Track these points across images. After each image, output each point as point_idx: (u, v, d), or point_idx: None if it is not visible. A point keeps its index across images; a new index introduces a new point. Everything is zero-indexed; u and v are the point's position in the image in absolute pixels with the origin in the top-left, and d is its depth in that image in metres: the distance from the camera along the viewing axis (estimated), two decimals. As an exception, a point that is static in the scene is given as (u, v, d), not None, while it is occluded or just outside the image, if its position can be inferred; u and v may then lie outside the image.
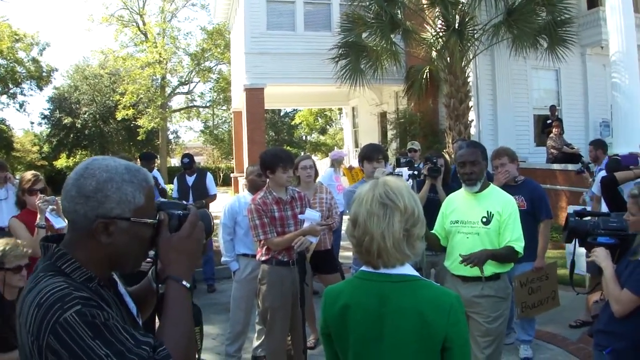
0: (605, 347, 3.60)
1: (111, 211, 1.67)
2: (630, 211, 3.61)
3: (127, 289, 1.96)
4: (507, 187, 5.88)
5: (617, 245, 3.84)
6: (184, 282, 1.76)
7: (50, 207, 5.22)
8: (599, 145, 8.41)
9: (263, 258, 5.17)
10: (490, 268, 4.23)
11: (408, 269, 2.17)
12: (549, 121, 15.34)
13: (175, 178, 9.86)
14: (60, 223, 5.14)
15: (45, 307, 1.52)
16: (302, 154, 35.94)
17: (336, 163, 10.56)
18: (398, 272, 2.15)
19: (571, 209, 6.89)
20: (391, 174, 5.01)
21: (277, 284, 5.06)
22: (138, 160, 6.04)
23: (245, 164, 18.46)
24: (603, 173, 7.84)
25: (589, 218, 4.08)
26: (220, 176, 37.88)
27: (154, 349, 1.57)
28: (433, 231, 4.58)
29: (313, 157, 7.74)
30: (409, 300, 2.11)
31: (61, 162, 38.56)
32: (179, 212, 1.84)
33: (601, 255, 3.71)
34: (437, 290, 2.16)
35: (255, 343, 6.25)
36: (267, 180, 5.24)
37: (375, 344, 2.16)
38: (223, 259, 6.28)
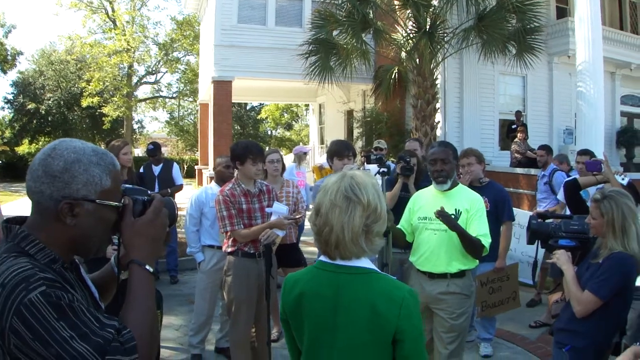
0: (565, 345, 3.71)
1: (77, 192, 1.67)
2: (592, 215, 3.71)
3: (88, 275, 1.94)
4: (472, 187, 5.99)
5: (578, 247, 3.94)
6: (147, 267, 1.76)
7: None
8: (549, 151, 8.98)
9: (229, 249, 5.16)
10: (456, 265, 4.31)
11: (364, 262, 2.20)
12: (514, 126, 15.56)
13: (142, 167, 9.77)
14: None
15: (9, 288, 1.51)
16: (268, 148, 35.92)
17: (298, 158, 10.62)
18: (354, 264, 2.18)
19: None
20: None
21: (242, 276, 5.06)
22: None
23: (211, 157, 18.41)
24: (545, 179, 8.14)
25: (551, 220, 4.18)
26: (184, 168, 37.56)
27: (118, 332, 1.58)
28: (399, 226, 4.63)
29: (306, 148, 7.76)
30: (362, 291, 2.15)
31: (23, 149, 37.82)
32: (143, 197, 1.86)
33: (562, 258, 3.81)
34: (391, 283, 2.20)
35: (219, 335, 6.27)
36: (236, 172, 5.25)
37: (329, 332, 2.20)
38: (188, 249, 6.25)
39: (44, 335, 1.47)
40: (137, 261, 1.76)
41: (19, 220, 1.75)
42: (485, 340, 6.24)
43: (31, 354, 1.49)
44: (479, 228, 4.26)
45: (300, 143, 35.45)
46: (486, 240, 4.25)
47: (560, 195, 7.90)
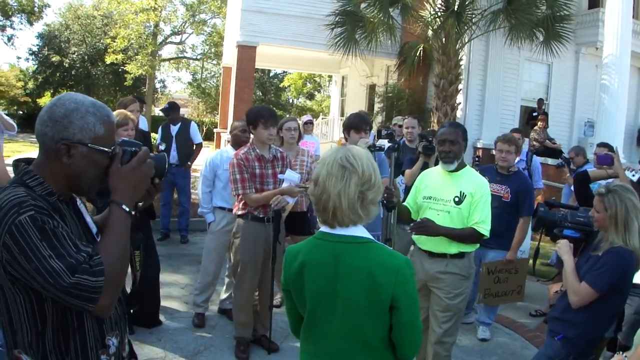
0: (558, 334, 3.76)
1: (74, 136, 1.95)
2: (595, 208, 3.73)
3: (92, 217, 2.25)
4: (499, 175, 6.02)
5: (581, 239, 3.97)
6: (124, 206, 2.01)
7: None
8: (579, 152, 8.87)
9: (239, 212, 5.24)
10: (456, 246, 4.32)
11: (361, 231, 2.33)
12: (534, 114, 15.46)
13: (160, 127, 9.84)
14: None
15: (4, 211, 1.82)
16: (287, 116, 35.79)
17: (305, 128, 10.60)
18: (351, 234, 2.31)
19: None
20: (373, 145, 5.08)
21: (250, 239, 5.15)
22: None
23: (230, 120, 18.40)
24: (523, 164, 8.10)
25: (558, 210, 4.20)
26: (203, 130, 37.65)
27: (90, 257, 1.86)
28: (405, 203, 4.66)
29: (298, 120, 7.74)
30: (360, 260, 2.28)
31: (45, 100, 37.91)
32: (132, 148, 2.10)
33: (564, 248, 3.85)
34: (387, 252, 2.33)
35: (223, 296, 6.39)
36: (252, 136, 5.30)
37: (329, 299, 2.34)
38: (200, 210, 6.33)
39: (28, 252, 1.78)
40: (117, 201, 2.01)
41: (28, 161, 2.04)
42: (485, 325, 6.30)
43: (17, 268, 1.81)
44: (480, 215, 4.23)
45: (321, 114, 35.36)
46: (485, 228, 4.23)
47: (539, 182, 7.95)
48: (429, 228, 4.20)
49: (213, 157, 6.26)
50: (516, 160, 7.93)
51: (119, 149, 2.07)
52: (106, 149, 2.02)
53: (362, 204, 2.28)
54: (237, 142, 6.16)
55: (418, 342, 2.40)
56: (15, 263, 1.80)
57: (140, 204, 2.25)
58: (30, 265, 1.78)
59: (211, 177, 6.16)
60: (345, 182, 2.24)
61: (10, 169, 2.91)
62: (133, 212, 2.07)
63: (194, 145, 9.74)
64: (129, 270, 5.10)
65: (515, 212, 6.07)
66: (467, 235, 4.25)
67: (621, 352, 2.99)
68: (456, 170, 4.40)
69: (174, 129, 9.57)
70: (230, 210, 5.93)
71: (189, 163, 9.55)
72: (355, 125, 5.43)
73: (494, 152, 6.75)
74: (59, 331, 1.97)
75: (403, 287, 2.25)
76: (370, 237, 2.35)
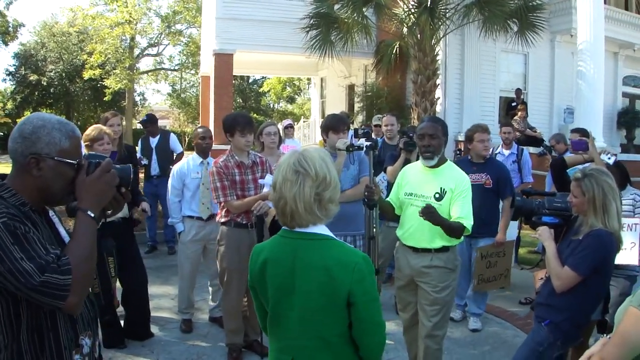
0: (544, 319, 3.79)
1: (41, 150, 2.14)
2: (573, 193, 3.75)
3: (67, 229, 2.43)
4: (476, 163, 6.09)
5: (561, 224, 4.01)
6: (89, 212, 2.18)
7: None
8: (560, 140, 8.92)
9: (222, 220, 5.26)
10: (439, 241, 4.33)
11: (321, 229, 2.39)
12: (513, 104, 15.54)
13: (140, 140, 9.83)
14: None
15: None
16: (268, 121, 35.76)
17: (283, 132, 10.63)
18: (310, 231, 2.37)
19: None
20: (352, 144, 5.10)
21: (234, 246, 5.17)
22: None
23: (212, 129, 18.37)
24: (514, 157, 8.15)
25: (535, 198, 4.24)
26: (185, 140, 37.53)
27: (58, 258, 2.03)
28: (387, 199, 4.68)
29: (279, 125, 7.77)
30: (317, 256, 2.34)
31: (25, 120, 37.76)
32: (96, 160, 2.27)
33: (544, 234, 3.89)
34: (345, 249, 2.38)
35: (212, 304, 6.40)
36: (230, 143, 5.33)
37: (288, 295, 2.40)
38: (170, 220, 6.41)
39: (1, 254, 1.94)
40: (82, 208, 2.18)
41: (2, 176, 2.24)
42: (475, 315, 6.34)
43: None
44: (462, 210, 4.24)
45: (302, 117, 35.37)
46: (468, 222, 4.24)
47: (528, 176, 8.02)
48: (434, 215, 4.12)
49: (180, 166, 6.31)
50: (506, 154, 8.03)
51: (85, 161, 2.25)
52: (72, 161, 2.21)
53: (319, 205, 2.34)
54: (200, 150, 6.30)
55: (380, 340, 2.45)
56: None
57: (109, 212, 2.39)
58: (4, 266, 1.95)
59: (179, 186, 6.19)
60: (299, 186, 2.31)
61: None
62: (100, 219, 2.27)
63: (175, 155, 9.71)
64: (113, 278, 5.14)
65: (496, 197, 6.24)
66: (457, 228, 4.23)
67: (605, 335, 3.02)
68: (437, 165, 4.40)
69: (154, 141, 9.58)
70: (199, 218, 6.09)
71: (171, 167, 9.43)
72: (332, 126, 5.44)
73: (464, 144, 6.81)
74: (33, 332, 2.12)
75: (359, 283, 2.30)
76: (330, 234, 2.41)
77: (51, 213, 2.39)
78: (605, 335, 3.02)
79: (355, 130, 5.42)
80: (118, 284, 5.67)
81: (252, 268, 2.53)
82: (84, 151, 4.89)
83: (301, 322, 2.40)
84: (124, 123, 7.17)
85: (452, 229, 4.23)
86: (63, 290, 2.00)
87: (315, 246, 2.37)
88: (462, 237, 4.45)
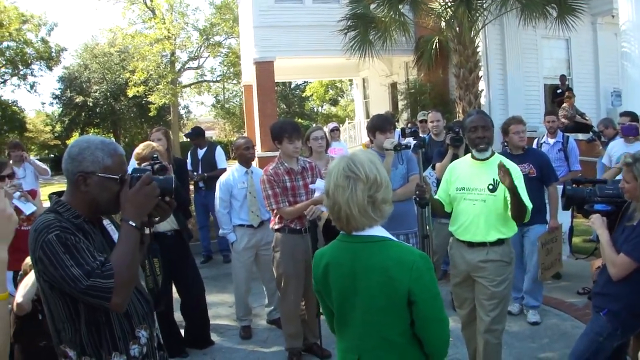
0: (602, 309, 3.75)
1: (87, 168, 2.43)
2: (625, 179, 3.69)
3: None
4: (515, 155, 6.06)
5: (613, 212, 3.95)
6: (131, 222, 2.41)
7: (18, 193, 5.42)
8: (608, 124, 8.87)
9: (276, 227, 5.34)
10: (494, 234, 4.33)
11: (378, 231, 2.44)
12: (559, 91, 15.32)
13: (189, 152, 10.00)
14: (30, 208, 5.37)
15: (37, 231, 2.32)
16: (314, 125, 35.88)
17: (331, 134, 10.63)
18: (368, 234, 2.42)
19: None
20: (399, 144, 5.12)
21: (289, 252, 5.24)
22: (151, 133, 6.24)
23: (258, 137, 18.55)
24: (614, 143, 7.96)
25: (586, 186, 4.19)
26: (232, 150, 37.79)
27: (102, 264, 2.29)
28: (436, 197, 4.69)
29: (324, 128, 7.80)
30: (376, 258, 2.39)
31: (74, 141, 38.60)
32: (137, 174, 2.48)
33: (597, 222, 3.84)
34: (402, 248, 2.42)
35: (268, 309, 6.53)
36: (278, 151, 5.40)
37: (351, 297, 2.46)
38: (221, 231, 6.48)
39: (55, 262, 2.25)
40: (125, 218, 2.41)
41: (59, 193, 2.57)
42: (533, 308, 6.29)
43: (49, 276, 2.29)
44: (522, 194, 4.17)
45: (347, 118, 35.35)
46: (529, 204, 4.20)
47: (606, 159, 7.87)
48: (507, 176, 3.98)
49: (226, 178, 6.37)
50: (552, 143, 7.95)
51: (128, 176, 2.49)
52: (114, 176, 2.46)
53: (373, 206, 2.38)
54: (243, 160, 6.35)
55: (444, 336, 2.47)
56: (47, 272, 2.29)
57: (156, 219, 2.63)
58: (57, 273, 2.25)
59: (227, 197, 6.27)
60: (351, 190, 2.35)
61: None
62: (147, 228, 2.58)
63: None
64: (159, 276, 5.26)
65: (542, 185, 6.27)
66: (525, 206, 4.14)
67: None
68: (487, 158, 4.42)
69: (200, 153, 9.74)
70: (250, 226, 6.16)
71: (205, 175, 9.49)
72: (379, 126, 5.47)
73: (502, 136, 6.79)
74: (91, 327, 2.41)
75: (418, 281, 2.33)
76: (388, 235, 2.45)
77: (106, 222, 2.72)
78: None
79: (403, 129, 5.43)
80: (176, 294, 5.79)
81: (315, 272, 2.61)
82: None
83: (364, 322, 2.45)
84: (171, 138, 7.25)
85: (521, 202, 4.11)
86: (107, 292, 2.27)
87: (373, 248, 2.41)
88: (516, 227, 4.43)
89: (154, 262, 5.21)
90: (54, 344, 2.49)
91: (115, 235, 2.64)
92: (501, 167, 4.00)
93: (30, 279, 3.92)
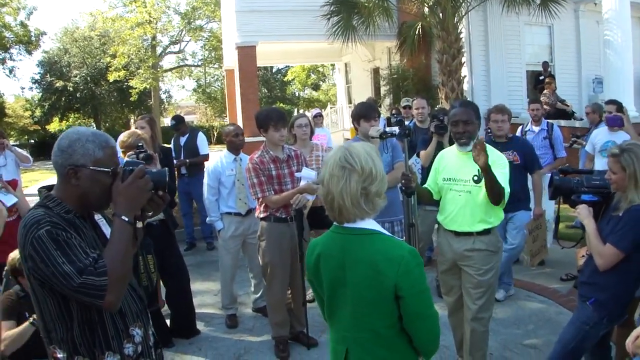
0: (589, 298, 3.78)
1: (77, 161, 2.34)
2: (611, 170, 3.69)
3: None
4: (499, 143, 6.09)
5: (600, 202, 3.98)
6: (123, 217, 2.34)
7: None
8: (596, 109, 8.99)
9: (262, 215, 5.31)
10: (480, 225, 4.34)
11: (370, 224, 2.43)
12: (541, 77, 15.38)
13: (172, 141, 9.92)
14: (11, 200, 5.29)
15: (27, 227, 2.23)
16: (296, 110, 35.90)
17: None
18: (359, 226, 2.43)
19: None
20: (384, 132, 5.11)
21: (275, 240, 5.22)
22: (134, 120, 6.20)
23: (240, 122, 18.48)
24: (598, 131, 8.00)
25: (573, 176, 4.20)
26: (214, 135, 37.73)
27: (95, 261, 2.22)
28: (425, 186, 4.68)
29: (307, 113, 7.78)
30: (365, 251, 2.39)
31: (54, 126, 38.30)
32: (130, 167, 2.40)
33: (584, 213, 3.86)
34: (392, 243, 2.41)
35: (254, 296, 6.51)
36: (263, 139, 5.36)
37: (341, 289, 2.48)
38: (208, 218, 6.45)
39: (45, 259, 2.17)
40: (117, 213, 2.35)
41: (49, 187, 2.50)
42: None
43: (40, 273, 2.21)
44: (499, 177, 4.12)
45: (329, 103, 35.30)
46: (506, 188, 4.17)
47: (590, 147, 7.91)
48: (483, 156, 3.94)
49: (214, 165, 6.34)
50: (537, 131, 7.99)
51: (120, 169, 2.41)
52: (106, 169, 2.39)
53: (366, 199, 2.38)
54: (232, 147, 6.32)
55: (433, 332, 2.46)
56: (38, 269, 2.20)
57: (149, 213, 2.56)
58: (48, 270, 2.18)
59: (215, 184, 6.24)
60: (346, 181, 2.34)
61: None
62: (140, 222, 2.47)
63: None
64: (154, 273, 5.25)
65: (526, 172, 6.36)
66: (501, 189, 4.12)
67: None
68: (470, 150, 4.39)
69: (182, 140, 9.68)
70: (237, 214, 6.15)
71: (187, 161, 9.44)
72: (363, 114, 5.44)
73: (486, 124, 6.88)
74: (84, 326, 2.35)
75: (406, 276, 2.32)
76: (379, 228, 2.44)
77: (98, 216, 2.65)
78: None
79: (388, 119, 5.41)
80: (162, 284, 5.76)
81: (308, 262, 2.62)
82: (122, 157, 4.97)
83: (353, 314, 2.46)
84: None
85: (496, 184, 4.08)
86: (100, 290, 2.20)
87: (363, 241, 2.41)
88: (502, 215, 4.44)
89: (147, 259, 5.21)
90: (45, 343, 2.44)
91: (107, 231, 2.59)
92: (476, 146, 4.01)
93: (15, 330, 3.84)
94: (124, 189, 2.35)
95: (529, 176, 6.45)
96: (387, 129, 5.14)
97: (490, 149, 4.42)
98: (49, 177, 20.30)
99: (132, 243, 2.38)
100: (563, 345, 3.87)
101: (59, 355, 2.37)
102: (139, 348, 2.55)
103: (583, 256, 4.15)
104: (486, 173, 4.04)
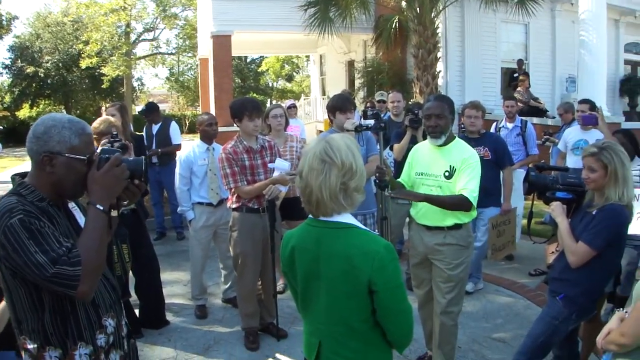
0: (559, 294, 3.81)
1: (53, 148, 2.30)
2: (590, 167, 3.67)
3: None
4: (472, 138, 6.14)
5: (573, 200, 4.01)
6: (98, 206, 2.31)
7: None
8: (569, 109, 9.10)
9: (234, 206, 5.27)
10: (451, 219, 4.34)
11: (346, 218, 2.40)
12: (515, 74, 15.49)
13: (144, 129, 9.80)
14: None
15: None
16: (269, 101, 35.82)
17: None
18: (334, 220, 2.39)
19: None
20: (360, 124, 5.09)
21: (247, 231, 5.18)
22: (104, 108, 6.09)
23: (212, 111, 18.34)
24: (570, 129, 8.07)
25: (549, 173, 4.23)
26: (186, 124, 37.49)
27: (69, 250, 2.19)
28: (399, 179, 4.67)
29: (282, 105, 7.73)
30: (339, 244, 2.36)
31: (24, 113, 37.50)
32: (106, 156, 2.37)
33: (557, 210, 3.88)
34: (367, 237, 2.37)
35: (224, 287, 6.47)
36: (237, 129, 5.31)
37: (315, 282, 2.46)
38: (179, 208, 6.41)
39: (18, 249, 2.14)
40: (92, 202, 2.31)
41: (23, 175, 2.43)
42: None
43: (12, 262, 2.17)
44: (468, 182, 4.17)
45: (302, 94, 35.26)
46: (472, 195, 4.17)
47: (562, 145, 7.98)
48: (409, 194, 4.19)
49: (187, 154, 6.28)
50: (510, 127, 8.06)
51: (96, 157, 2.38)
52: (82, 157, 2.35)
53: (345, 194, 2.35)
54: (206, 137, 6.28)
55: (406, 327, 2.45)
56: (10, 259, 2.16)
57: (125, 202, 2.55)
58: (20, 260, 2.14)
59: (187, 174, 6.19)
60: (325, 175, 2.31)
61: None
62: (115, 211, 2.45)
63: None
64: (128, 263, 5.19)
65: (497, 167, 6.43)
66: (457, 202, 4.18)
67: (622, 309, 3.03)
68: (445, 144, 4.38)
69: (155, 128, 9.54)
70: (209, 204, 6.12)
71: (159, 151, 9.35)
72: (339, 106, 5.43)
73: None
74: (56, 316, 2.32)
75: (381, 271, 2.29)
76: (355, 223, 2.41)
77: (72, 205, 2.60)
78: (621, 309, 3.04)
79: (364, 112, 5.39)
80: (131, 274, 5.70)
81: (282, 254, 2.59)
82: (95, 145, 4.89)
83: (327, 307, 2.44)
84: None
85: (447, 203, 4.19)
86: (74, 280, 2.16)
87: (338, 234, 2.38)
88: (475, 212, 4.45)
89: (122, 248, 5.15)
90: (16, 334, 2.40)
91: (81, 220, 2.54)
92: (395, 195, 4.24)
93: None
94: (100, 177, 2.33)
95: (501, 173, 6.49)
96: (363, 121, 5.12)
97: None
98: (17, 164, 20.01)
99: (106, 232, 2.36)
100: (532, 339, 3.90)
101: (29, 346, 2.34)
102: (111, 339, 2.52)
103: (553, 252, 4.18)
104: (431, 203, 4.19)
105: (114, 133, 4.93)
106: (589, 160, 3.70)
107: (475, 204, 4.23)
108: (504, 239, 6.36)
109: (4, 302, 3.54)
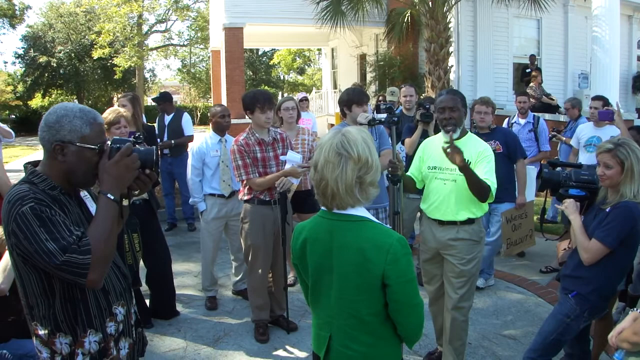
0: (571, 291, 3.79)
1: (64, 137, 2.32)
2: (607, 164, 3.63)
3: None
4: (482, 134, 6.12)
5: (587, 197, 3.98)
6: (109, 195, 2.32)
7: None
8: (575, 104, 9.10)
9: (245, 198, 5.27)
10: (464, 214, 4.32)
11: (359, 211, 2.39)
12: (528, 70, 15.40)
13: (156, 118, 9.82)
14: None
15: (11, 203, 2.22)
16: (280, 93, 35.80)
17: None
18: (348, 212, 2.38)
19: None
20: (373, 118, 5.07)
21: (258, 223, 5.19)
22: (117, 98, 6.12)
23: (224, 103, 18.31)
24: (583, 125, 8.01)
25: (561, 169, 4.20)
26: (197, 115, 37.54)
27: (79, 239, 2.21)
28: (408, 174, 4.66)
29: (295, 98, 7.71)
30: (352, 237, 2.36)
31: (36, 102, 37.68)
32: (117, 145, 2.39)
33: (571, 207, 3.85)
34: (380, 230, 2.37)
35: (234, 279, 6.47)
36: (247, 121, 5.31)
37: (327, 274, 2.45)
38: (191, 199, 6.41)
39: (29, 236, 2.16)
40: (103, 191, 2.33)
41: (34, 163, 2.45)
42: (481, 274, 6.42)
43: (23, 250, 2.20)
44: (485, 171, 4.18)
45: (314, 87, 35.18)
46: (492, 183, 4.16)
47: (574, 142, 7.93)
48: (458, 154, 3.96)
49: (199, 145, 6.28)
50: (523, 123, 8.03)
51: (107, 146, 2.40)
52: (93, 146, 2.36)
53: (360, 188, 2.34)
54: (219, 128, 6.25)
55: (418, 321, 2.45)
56: (21, 246, 2.19)
57: (136, 192, 2.53)
58: (31, 247, 2.16)
59: (199, 165, 6.19)
60: (341, 169, 2.30)
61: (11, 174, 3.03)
62: (125, 200, 2.46)
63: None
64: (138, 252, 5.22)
65: (509, 161, 6.40)
66: (483, 184, 4.11)
67: (635, 308, 3.01)
68: (458, 138, 4.35)
69: (167, 119, 9.54)
70: (220, 195, 6.11)
71: (172, 142, 9.31)
72: (357, 100, 5.39)
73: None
74: (67, 303, 2.35)
75: (393, 265, 2.29)
76: (368, 216, 2.41)
77: (84, 193, 2.66)
78: (635, 309, 3.01)
79: (377, 106, 5.37)
80: (142, 264, 5.72)
81: (293, 246, 2.58)
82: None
83: (338, 300, 2.43)
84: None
85: (476, 182, 4.09)
86: (83, 268, 2.19)
87: (351, 227, 2.37)
88: (487, 207, 4.43)
89: (133, 237, 5.16)
90: (27, 320, 2.43)
91: (93, 208, 2.55)
92: (445, 149, 4.02)
93: (7, 261, 3.75)
94: (111, 167, 2.34)
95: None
96: (376, 115, 5.10)
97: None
98: (29, 153, 20.09)
99: (117, 221, 2.36)
100: (544, 337, 3.89)
101: (40, 332, 2.37)
102: (121, 327, 2.54)
103: (565, 249, 4.16)
104: (464, 171, 4.05)
105: (137, 134, 4.95)
106: (604, 156, 3.66)
107: (494, 194, 4.22)
108: (520, 232, 6.36)
109: (5, 258, 3.59)
